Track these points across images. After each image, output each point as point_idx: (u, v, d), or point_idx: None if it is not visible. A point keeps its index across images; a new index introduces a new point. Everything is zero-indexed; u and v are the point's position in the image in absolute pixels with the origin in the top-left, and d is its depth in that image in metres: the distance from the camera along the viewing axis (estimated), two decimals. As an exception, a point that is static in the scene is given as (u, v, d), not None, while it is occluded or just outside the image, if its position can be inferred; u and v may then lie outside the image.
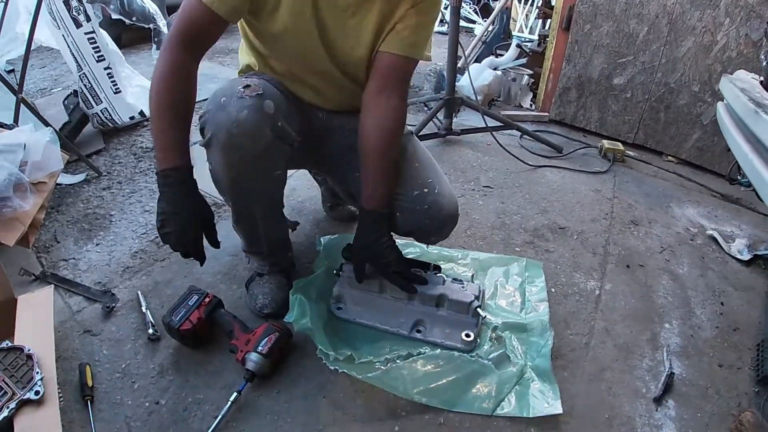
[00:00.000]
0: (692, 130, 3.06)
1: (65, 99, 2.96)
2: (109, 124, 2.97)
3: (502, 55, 4.31)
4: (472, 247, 2.11)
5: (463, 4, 7.01)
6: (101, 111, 2.90)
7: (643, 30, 3.06)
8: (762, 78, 1.86)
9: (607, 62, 3.25)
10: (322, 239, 2.03)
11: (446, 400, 1.41)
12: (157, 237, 2.03)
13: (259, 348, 1.39)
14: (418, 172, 1.55)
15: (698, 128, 3.03)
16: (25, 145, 1.93)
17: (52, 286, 1.59)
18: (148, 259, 1.93)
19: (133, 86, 3.19)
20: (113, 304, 1.66)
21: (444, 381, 1.44)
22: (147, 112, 3.18)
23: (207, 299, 1.53)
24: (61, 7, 2.60)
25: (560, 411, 1.40)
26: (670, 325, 1.83)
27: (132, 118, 3.09)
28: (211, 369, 1.47)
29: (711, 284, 2.09)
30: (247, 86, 1.31)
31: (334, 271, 1.71)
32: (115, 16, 3.27)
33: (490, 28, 4.51)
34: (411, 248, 1.98)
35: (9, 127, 2.16)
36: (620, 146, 3.14)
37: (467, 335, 1.56)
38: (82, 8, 2.66)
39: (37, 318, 1.38)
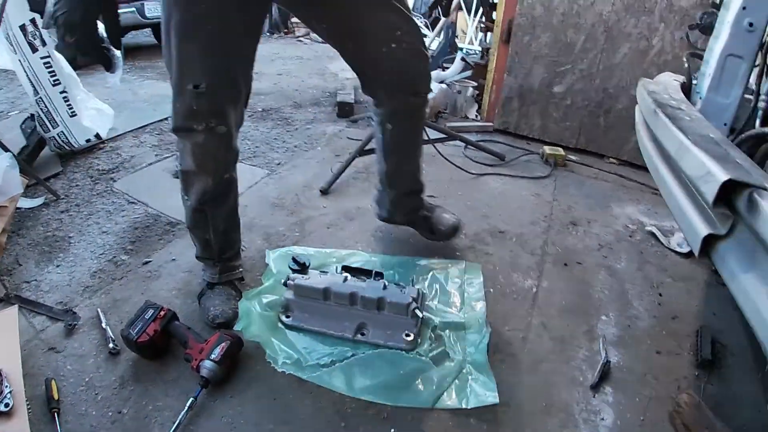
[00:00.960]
0: (631, 132, 3.22)
1: (23, 123, 3.05)
2: (66, 147, 3.07)
3: (448, 68, 4.50)
4: (414, 254, 2.25)
5: (415, 19, 7.20)
6: (58, 134, 3.00)
7: (580, 39, 3.26)
8: (684, 80, 2.02)
9: (547, 71, 3.45)
10: (270, 252, 2.17)
11: (389, 395, 1.54)
12: (114, 256, 2.16)
13: (212, 356, 1.52)
14: None
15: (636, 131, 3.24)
16: (-15, 172, 2.05)
17: (17, 306, 1.71)
18: (106, 278, 2.04)
19: (88, 109, 3.27)
20: (75, 322, 1.77)
21: (386, 378, 1.58)
22: (103, 135, 3.29)
23: (162, 312, 1.65)
24: (17, 32, 2.69)
25: (497, 401, 1.54)
26: (607, 318, 1.97)
27: (88, 140, 3.19)
28: (168, 378, 1.59)
29: (649, 277, 2.22)
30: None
31: (282, 282, 1.84)
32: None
33: (435, 44, 4.69)
34: (355, 257, 2.14)
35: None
36: (561, 151, 3.33)
37: (407, 335, 1.71)
38: (38, 33, 2.75)
39: (3, 337, 1.50)
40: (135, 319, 1.63)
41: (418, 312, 1.72)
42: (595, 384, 1.66)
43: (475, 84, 4.23)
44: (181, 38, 1.48)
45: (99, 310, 1.83)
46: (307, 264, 1.84)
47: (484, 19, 4.95)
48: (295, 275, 1.81)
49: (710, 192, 1.00)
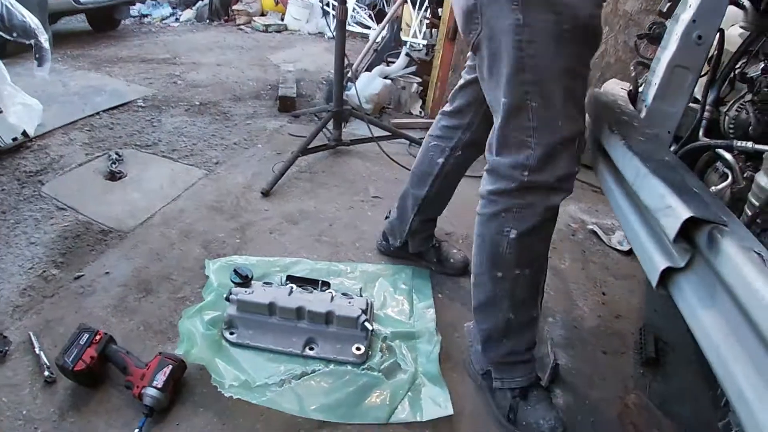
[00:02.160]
0: None
1: None
2: None
3: (393, 63, 4.50)
4: (361, 259, 2.27)
5: (358, 10, 7.18)
6: None
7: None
8: (630, 87, 2.10)
9: (492, 70, 3.49)
10: (210, 263, 2.13)
11: (342, 414, 1.55)
12: (44, 270, 2.09)
13: (154, 382, 1.49)
14: None
15: (580, 129, 3.35)
16: None
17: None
18: (36, 296, 1.96)
19: (15, 105, 3.13)
20: (6, 348, 1.70)
21: (338, 396, 1.59)
22: (31, 132, 3.16)
23: (98, 337, 1.60)
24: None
25: (451, 412, 1.58)
26: (553, 319, 2.05)
27: (15, 139, 3.04)
28: (110, 407, 1.55)
29: (592, 276, 2.31)
30: None
31: (225, 297, 1.81)
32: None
33: (380, 38, 4.68)
34: (300, 265, 2.13)
35: None
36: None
37: (357, 348, 1.72)
38: None
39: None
40: (69, 345, 1.57)
41: (367, 324, 1.73)
42: (546, 387, 1.70)
43: (420, 80, 4.27)
44: None
45: (31, 333, 1.76)
46: (250, 276, 1.83)
47: (429, 14, 4.96)
48: (238, 289, 1.79)
49: (671, 228, 1.03)
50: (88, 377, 1.56)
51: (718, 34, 1.67)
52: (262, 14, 8.31)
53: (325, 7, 7.38)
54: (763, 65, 1.63)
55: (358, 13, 7.13)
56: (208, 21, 8.27)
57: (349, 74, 3.70)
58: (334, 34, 2.94)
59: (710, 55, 1.69)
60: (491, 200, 1.48)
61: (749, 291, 0.87)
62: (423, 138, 3.23)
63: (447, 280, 2.20)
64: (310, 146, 2.99)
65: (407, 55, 4.44)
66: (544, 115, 1.34)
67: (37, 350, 1.69)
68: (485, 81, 1.47)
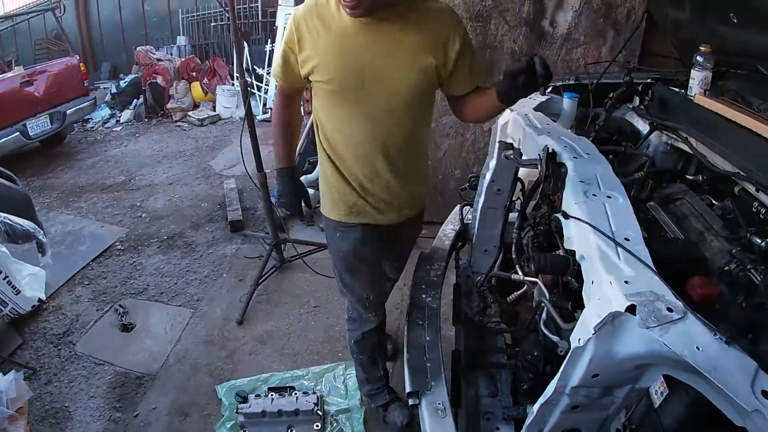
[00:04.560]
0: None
1: None
2: (16, 316, 3.95)
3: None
4: (311, 363, 3.52)
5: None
6: (9, 311, 3.84)
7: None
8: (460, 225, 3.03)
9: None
10: (219, 388, 3.37)
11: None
12: (111, 416, 3.25)
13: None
14: None
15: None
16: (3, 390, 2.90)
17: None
18: None
19: (25, 278, 3.96)
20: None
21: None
22: (43, 297, 4.19)
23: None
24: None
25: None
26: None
27: (33, 306, 4.07)
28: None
29: None
30: None
31: (235, 411, 3.10)
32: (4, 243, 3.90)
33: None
34: (274, 377, 3.42)
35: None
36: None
37: (317, 426, 3.04)
38: None
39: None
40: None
41: (319, 412, 3.06)
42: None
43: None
44: None
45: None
46: (246, 395, 3.13)
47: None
48: (242, 405, 3.08)
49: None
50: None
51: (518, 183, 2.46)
52: (195, 105, 9.27)
53: (251, 89, 8.25)
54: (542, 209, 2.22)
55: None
56: (146, 119, 9.19)
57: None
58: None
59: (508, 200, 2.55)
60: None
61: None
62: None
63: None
64: (262, 275, 4.24)
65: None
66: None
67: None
68: None
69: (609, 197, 1.68)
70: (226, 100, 9.10)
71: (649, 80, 2.90)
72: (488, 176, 2.50)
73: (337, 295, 3.68)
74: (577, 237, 1.59)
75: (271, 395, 3.15)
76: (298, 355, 3.61)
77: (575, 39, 4.07)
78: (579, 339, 1.30)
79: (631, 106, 3.00)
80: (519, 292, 2.10)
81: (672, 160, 2.66)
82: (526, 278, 2.01)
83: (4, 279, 3.78)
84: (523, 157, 2.21)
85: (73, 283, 4.64)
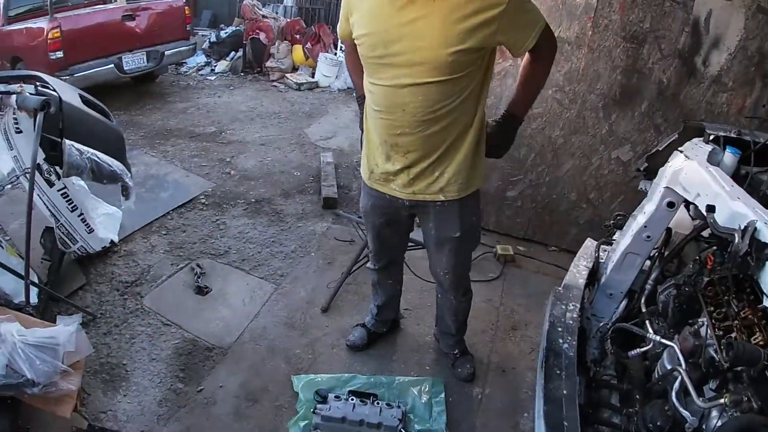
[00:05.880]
0: (570, 227, 4.47)
1: (41, 238, 3.66)
2: (84, 255, 3.85)
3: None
4: (395, 372, 3.23)
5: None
6: (78, 248, 3.76)
7: (531, 155, 4.39)
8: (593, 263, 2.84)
9: (501, 179, 4.53)
10: (295, 379, 3.11)
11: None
12: (171, 385, 3.02)
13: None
14: None
15: (575, 226, 4.46)
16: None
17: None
18: (172, 406, 2.88)
19: (99, 216, 3.96)
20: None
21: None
22: (116, 239, 4.09)
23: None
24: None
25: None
26: (528, 414, 2.97)
27: (104, 247, 3.98)
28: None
29: None
30: None
31: (312, 410, 2.83)
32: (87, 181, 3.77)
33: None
34: (356, 380, 3.15)
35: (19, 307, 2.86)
36: (511, 250, 4.39)
37: (399, 444, 2.77)
38: (53, 170, 3.36)
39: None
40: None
41: (402, 429, 2.77)
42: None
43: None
44: None
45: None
46: (326, 394, 2.87)
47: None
48: (321, 405, 2.82)
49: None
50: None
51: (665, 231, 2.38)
52: (294, 68, 9.22)
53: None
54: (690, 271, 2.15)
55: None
56: (242, 74, 9.15)
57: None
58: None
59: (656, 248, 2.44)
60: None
61: None
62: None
63: (456, 386, 3.17)
64: (355, 268, 3.91)
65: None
66: None
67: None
68: None
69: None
70: (327, 69, 8.98)
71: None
72: (641, 221, 2.40)
73: (431, 302, 3.50)
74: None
75: (353, 400, 2.88)
76: (382, 359, 3.34)
77: (723, 83, 3.79)
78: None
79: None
80: (643, 349, 2.12)
81: None
82: (663, 339, 2.01)
83: (79, 216, 3.71)
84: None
85: (150, 231, 4.48)
